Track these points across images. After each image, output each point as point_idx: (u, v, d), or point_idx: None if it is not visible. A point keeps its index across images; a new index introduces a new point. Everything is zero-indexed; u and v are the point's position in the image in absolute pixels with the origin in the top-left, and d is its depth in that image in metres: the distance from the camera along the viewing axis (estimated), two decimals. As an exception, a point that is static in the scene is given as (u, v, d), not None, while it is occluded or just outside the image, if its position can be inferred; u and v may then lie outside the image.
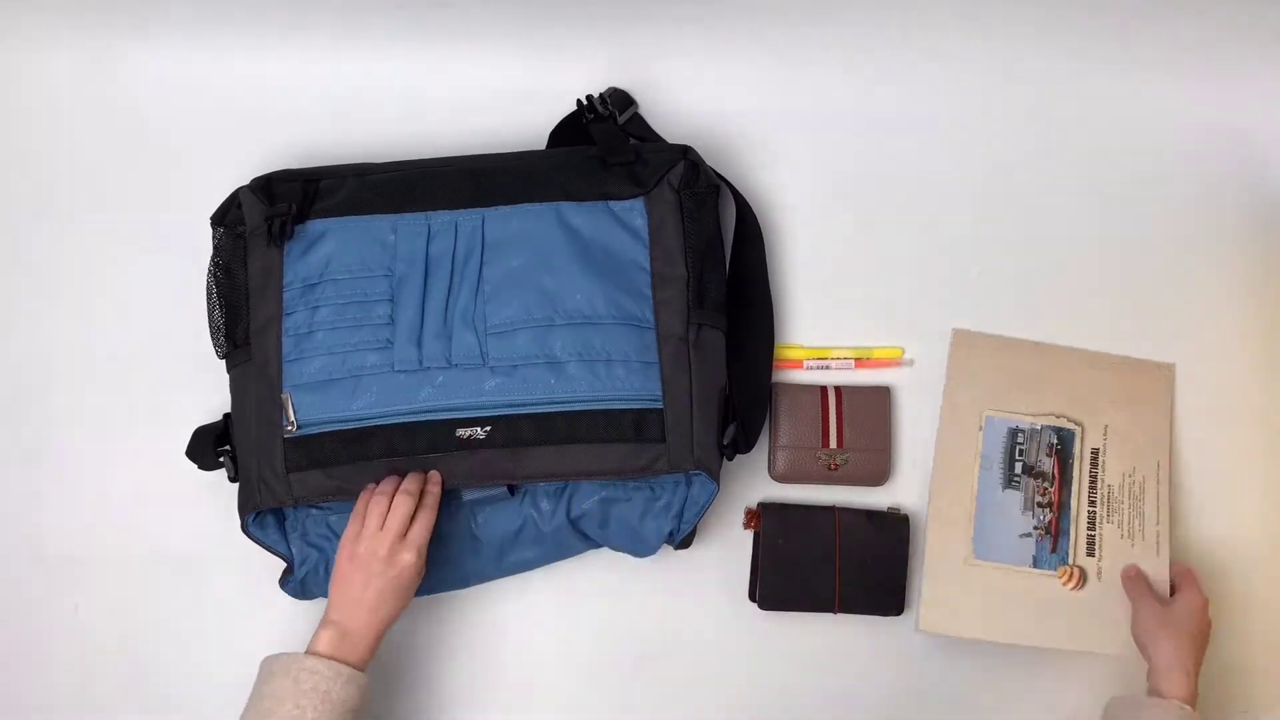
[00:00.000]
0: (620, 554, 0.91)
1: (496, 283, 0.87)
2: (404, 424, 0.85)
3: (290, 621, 0.92)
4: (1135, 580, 0.92)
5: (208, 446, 0.88)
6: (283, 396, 0.85)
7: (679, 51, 1.01)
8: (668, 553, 0.91)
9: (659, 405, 0.85)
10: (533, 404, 0.85)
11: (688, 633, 0.94)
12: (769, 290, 0.95)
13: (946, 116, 1.03)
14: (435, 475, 0.85)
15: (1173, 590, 0.93)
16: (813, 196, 1.00)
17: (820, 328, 0.99)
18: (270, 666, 0.77)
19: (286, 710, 0.74)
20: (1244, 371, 1.01)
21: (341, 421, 0.85)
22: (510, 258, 0.87)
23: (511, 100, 0.99)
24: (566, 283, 0.86)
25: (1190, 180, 1.04)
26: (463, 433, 0.84)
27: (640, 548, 0.89)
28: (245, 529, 0.86)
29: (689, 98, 1.01)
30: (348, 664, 0.77)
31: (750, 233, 0.95)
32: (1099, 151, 1.03)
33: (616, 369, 0.85)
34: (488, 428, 0.84)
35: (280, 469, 0.84)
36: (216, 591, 0.93)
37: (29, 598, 0.94)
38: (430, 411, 0.85)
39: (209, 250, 0.91)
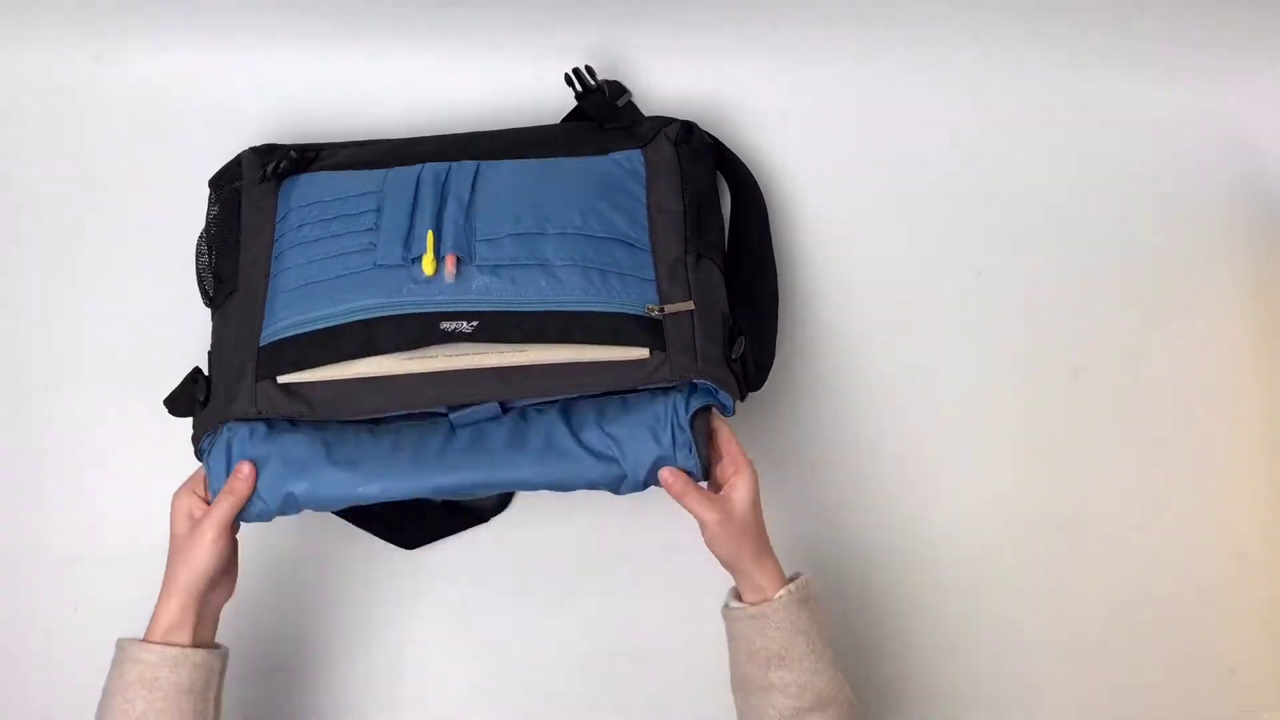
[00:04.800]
0: (621, 557, 0.91)
1: (488, 196, 0.84)
2: (385, 318, 0.79)
3: (289, 621, 0.92)
4: (680, 483, 0.77)
5: (187, 384, 0.84)
6: (263, 307, 0.82)
7: (679, 50, 1.01)
8: (669, 552, 0.90)
9: (658, 317, 0.81)
10: (523, 304, 0.80)
11: (688, 633, 0.94)
12: (772, 252, 0.95)
13: (945, 117, 1.03)
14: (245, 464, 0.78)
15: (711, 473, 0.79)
16: (812, 196, 1.00)
17: (818, 325, 0.99)
18: (114, 654, 0.75)
19: (117, 704, 0.72)
20: (1244, 371, 1.01)
21: (319, 320, 0.80)
22: (504, 179, 0.85)
23: (511, 98, 0.99)
24: (561, 200, 0.84)
25: (1190, 180, 1.04)
26: (447, 325, 0.79)
27: (652, 449, 0.79)
28: (199, 452, 0.82)
29: (688, 97, 1.01)
30: (175, 644, 0.73)
31: (750, 195, 0.95)
32: (1099, 151, 1.03)
33: (611, 279, 0.82)
34: (474, 322, 0.79)
35: (250, 378, 0.80)
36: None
37: (29, 598, 0.94)
38: (413, 305, 0.80)
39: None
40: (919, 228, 1.01)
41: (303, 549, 0.93)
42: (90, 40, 1.00)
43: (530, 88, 0.99)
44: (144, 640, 0.74)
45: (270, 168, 0.87)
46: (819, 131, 1.02)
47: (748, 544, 0.76)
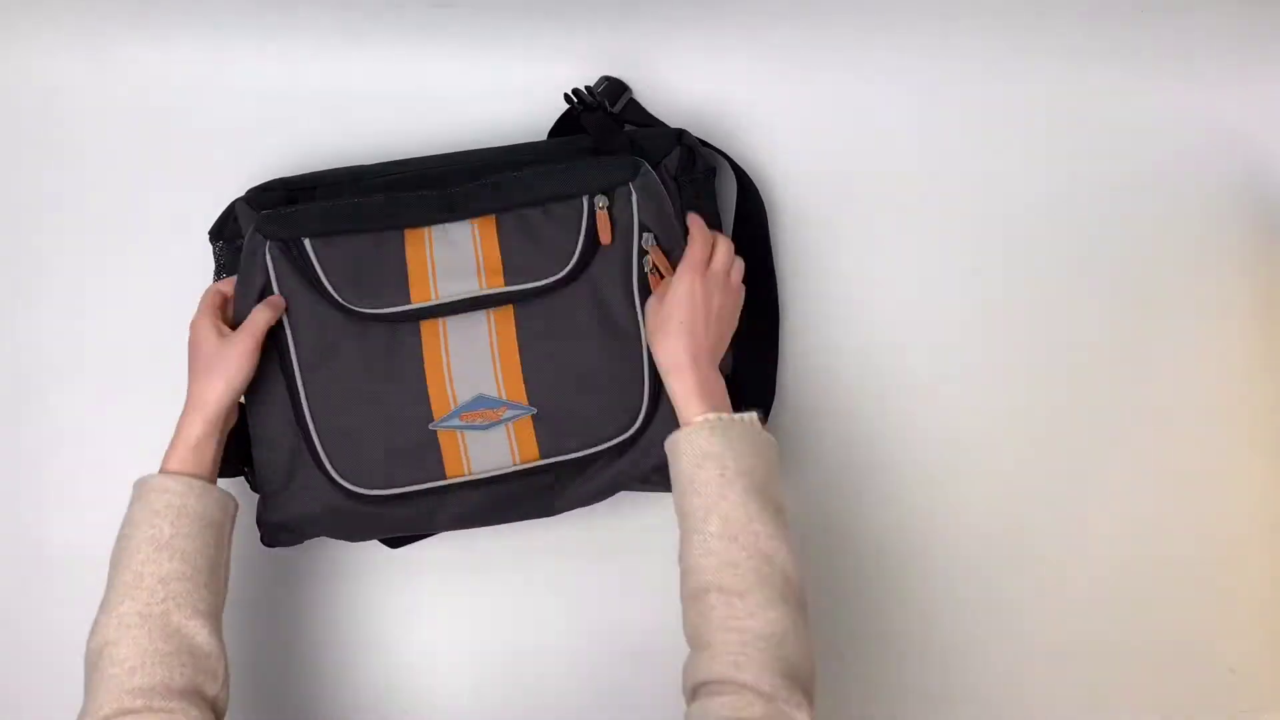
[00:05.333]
0: (620, 554, 0.91)
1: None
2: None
3: (291, 622, 0.92)
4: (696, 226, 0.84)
5: (234, 467, 0.88)
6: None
7: (678, 48, 1.01)
8: (669, 550, 0.90)
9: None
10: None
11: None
12: (772, 265, 0.95)
13: (945, 116, 1.03)
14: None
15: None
16: (810, 194, 1.00)
17: (814, 323, 0.99)
18: (132, 492, 0.77)
19: (143, 531, 0.74)
20: (1244, 370, 1.01)
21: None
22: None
23: (512, 97, 0.99)
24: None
25: (1190, 181, 1.04)
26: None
27: None
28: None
29: (688, 95, 1.01)
30: (199, 476, 0.76)
31: (753, 208, 0.95)
32: (1098, 151, 1.03)
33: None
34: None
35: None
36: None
37: (29, 597, 0.94)
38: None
39: (209, 250, 0.92)
40: (918, 226, 1.01)
41: (294, 551, 0.92)
42: (90, 41, 1.00)
43: (529, 89, 0.98)
44: (166, 471, 0.76)
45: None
46: (816, 130, 1.02)
47: (669, 342, 0.77)
